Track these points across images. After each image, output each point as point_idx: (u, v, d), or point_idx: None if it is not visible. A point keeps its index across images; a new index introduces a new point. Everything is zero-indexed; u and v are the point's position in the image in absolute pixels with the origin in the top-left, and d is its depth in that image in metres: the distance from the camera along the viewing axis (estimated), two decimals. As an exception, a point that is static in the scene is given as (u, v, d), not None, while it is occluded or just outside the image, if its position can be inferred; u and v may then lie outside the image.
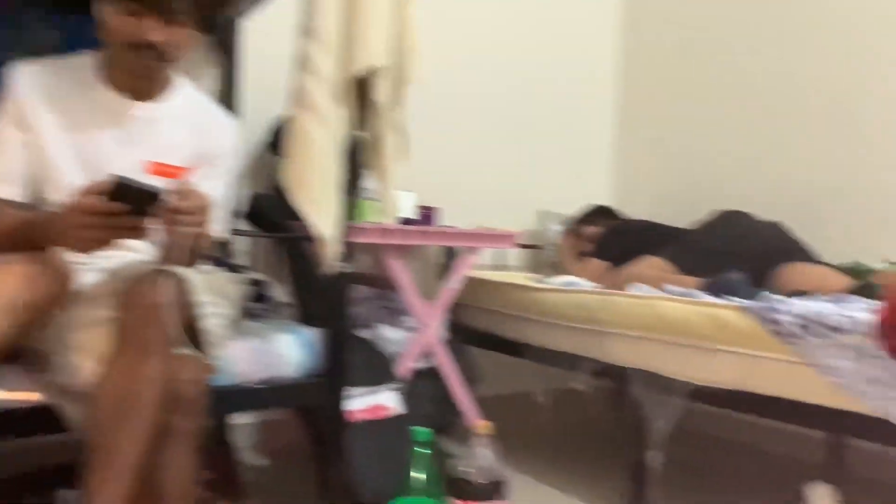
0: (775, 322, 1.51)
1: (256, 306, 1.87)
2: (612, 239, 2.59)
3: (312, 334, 1.62)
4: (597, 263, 2.53)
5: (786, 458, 2.46)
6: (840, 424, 1.48)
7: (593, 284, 2.32)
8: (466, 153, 2.93)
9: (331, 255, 1.53)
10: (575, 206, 2.98)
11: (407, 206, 2.34)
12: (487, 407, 2.52)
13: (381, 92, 1.53)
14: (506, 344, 2.38)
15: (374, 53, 1.49)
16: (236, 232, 2.20)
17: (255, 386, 1.52)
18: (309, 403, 1.63)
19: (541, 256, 2.99)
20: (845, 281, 1.88)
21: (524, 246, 3.04)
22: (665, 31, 3.12)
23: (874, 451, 2.17)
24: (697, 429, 2.78)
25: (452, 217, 2.79)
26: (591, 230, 2.75)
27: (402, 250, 2.11)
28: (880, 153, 2.32)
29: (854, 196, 2.39)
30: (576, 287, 2.21)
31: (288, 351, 1.56)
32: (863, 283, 1.75)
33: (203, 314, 1.31)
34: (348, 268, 1.60)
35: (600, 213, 2.82)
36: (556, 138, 3.18)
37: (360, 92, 1.56)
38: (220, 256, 1.92)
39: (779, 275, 2.01)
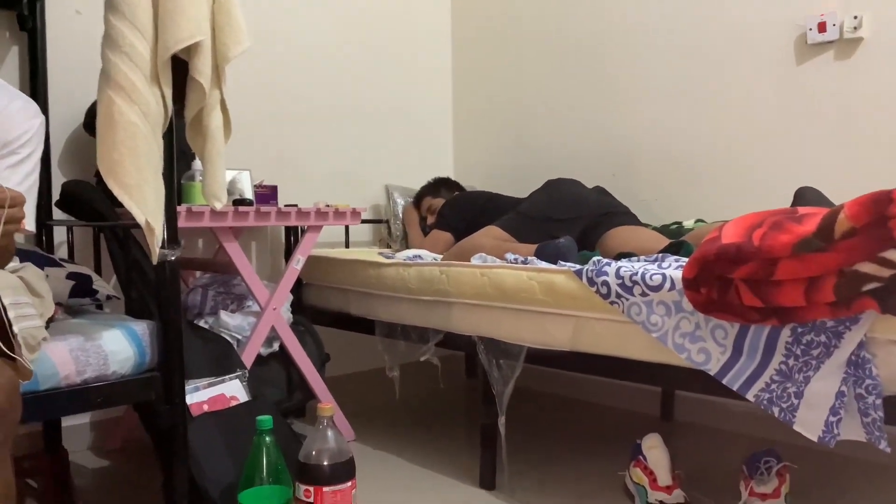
0: (601, 283, 1.61)
1: (81, 301, 1.76)
2: (454, 210, 2.64)
3: (143, 327, 1.54)
4: (440, 235, 2.58)
5: (626, 412, 2.67)
6: (664, 377, 1.61)
7: (437, 256, 2.37)
8: (307, 129, 2.87)
9: (157, 241, 1.45)
10: (420, 179, 3.03)
11: (244, 185, 2.27)
12: (340, 386, 2.53)
13: (200, 69, 1.45)
14: (355, 321, 2.38)
15: (190, 29, 1.41)
16: (52, 222, 2.04)
17: (81, 386, 1.42)
18: (144, 399, 1.55)
19: (387, 230, 3.01)
20: (664, 241, 2.05)
21: (370, 221, 3.05)
22: (491, 11, 3.20)
23: (701, 399, 2.41)
24: (539, 389, 2.95)
25: (296, 195, 2.75)
26: (435, 202, 2.80)
27: (239, 232, 2.05)
28: (691, 118, 2.53)
29: (668, 159, 2.60)
30: (420, 260, 2.24)
31: (115, 346, 1.46)
32: (678, 241, 1.90)
33: (14, 316, 1.21)
34: (178, 254, 1.53)
35: (443, 186, 2.88)
36: (399, 113, 3.19)
37: (178, 69, 1.47)
38: (32, 251, 1.77)
39: (605, 238, 2.14)
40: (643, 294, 1.53)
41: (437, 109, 3.37)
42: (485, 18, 3.26)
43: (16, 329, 1.21)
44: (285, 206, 2.19)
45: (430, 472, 2.03)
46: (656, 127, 2.63)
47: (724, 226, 1.42)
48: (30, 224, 1.40)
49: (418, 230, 2.81)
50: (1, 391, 1.16)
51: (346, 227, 2.90)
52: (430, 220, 2.78)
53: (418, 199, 2.89)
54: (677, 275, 1.47)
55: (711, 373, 1.42)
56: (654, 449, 1.74)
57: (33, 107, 1.46)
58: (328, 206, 2.25)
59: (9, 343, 1.21)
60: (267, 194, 2.35)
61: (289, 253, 2.59)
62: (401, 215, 2.95)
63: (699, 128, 2.51)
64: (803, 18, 2.23)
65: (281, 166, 2.76)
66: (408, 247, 2.77)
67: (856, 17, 2.11)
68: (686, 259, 1.60)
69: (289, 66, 2.81)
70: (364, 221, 2.85)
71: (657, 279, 1.51)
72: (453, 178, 3.05)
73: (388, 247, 2.97)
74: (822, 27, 2.17)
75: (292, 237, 2.59)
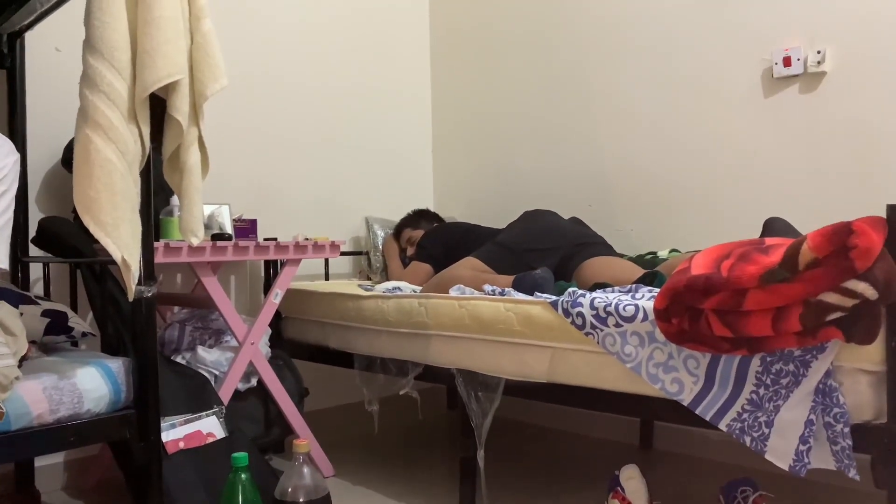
0: (577, 315, 1.63)
1: (55, 339, 1.75)
2: (433, 242, 2.66)
3: (118, 364, 1.53)
4: (420, 267, 2.59)
5: (605, 442, 2.68)
6: (640, 408, 1.62)
7: (416, 288, 2.38)
8: (287, 162, 2.89)
9: (134, 278, 1.46)
10: (400, 211, 3.05)
11: (223, 219, 2.28)
12: (319, 421, 2.52)
13: (178, 107, 1.47)
14: (335, 355, 2.37)
15: (167, 68, 1.44)
16: (28, 259, 2.03)
17: (54, 425, 1.41)
18: (119, 438, 1.54)
19: (367, 262, 3.02)
20: (639, 271, 2.08)
21: (350, 254, 3.06)
22: (468, 47, 3.26)
23: (679, 427, 2.43)
24: (518, 420, 2.95)
25: (275, 228, 2.76)
26: (414, 234, 2.82)
27: (217, 266, 2.05)
28: (669, 149, 2.59)
29: (644, 189, 2.65)
30: (399, 293, 2.25)
31: (90, 384, 1.46)
32: (652, 272, 1.93)
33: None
34: (154, 290, 1.53)
35: (422, 217, 2.90)
36: (378, 144, 3.21)
37: (156, 107, 1.49)
38: (6, 288, 1.77)
39: (581, 268, 2.17)
40: (617, 325, 1.55)
41: (417, 140, 3.41)
42: (463, 50, 3.32)
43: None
44: (264, 239, 2.19)
45: (409, 507, 2.02)
46: (632, 158, 2.68)
47: (694, 257, 1.46)
48: (2, 262, 1.40)
49: (398, 262, 2.82)
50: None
51: (326, 260, 2.91)
52: (410, 251, 2.80)
53: (398, 230, 2.90)
54: (650, 305, 1.50)
55: (685, 403, 1.44)
56: (632, 480, 1.74)
57: (8, 145, 1.47)
58: (307, 239, 2.26)
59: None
60: (246, 228, 2.36)
61: (268, 286, 2.59)
62: (381, 247, 2.97)
63: (673, 159, 2.56)
64: (770, 53, 2.30)
65: (260, 199, 2.78)
66: (388, 279, 2.77)
67: (819, 52, 2.18)
68: (659, 289, 1.63)
69: (267, 100, 2.84)
70: (343, 254, 2.86)
71: (630, 310, 1.53)
72: (433, 210, 3.08)
73: (368, 279, 2.98)
74: (787, 61, 2.24)
75: (271, 270, 2.60)
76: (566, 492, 2.13)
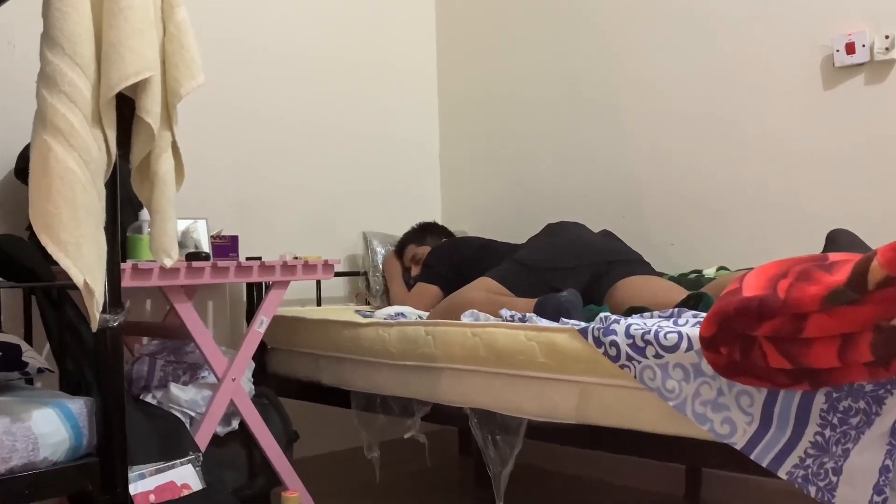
0: (610, 344, 1.63)
1: (7, 376, 1.76)
2: (442, 260, 2.67)
3: (79, 405, 1.54)
4: (426, 289, 2.60)
5: (645, 493, 2.66)
6: (685, 453, 1.61)
7: (423, 314, 2.38)
8: (273, 171, 2.91)
9: (98, 305, 1.47)
10: (403, 225, 3.06)
11: (199, 236, 2.29)
12: (310, 469, 2.51)
13: (149, 108, 1.49)
14: (328, 392, 2.38)
15: (137, 64, 1.45)
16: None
17: (6, 476, 1.41)
18: (80, 490, 1.54)
19: (366, 285, 3.03)
20: (681, 293, 2.07)
21: (345, 274, 3.07)
22: (480, 35, 3.29)
23: (730, 476, 2.41)
24: (545, 467, 2.94)
25: (260, 247, 2.76)
26: (419, 251, 2.82)
27: (193, 291, 2.06)
28: (714, 151, 2.59)
29: (685, 198, 2.65)
30: (403, 319, 2.26)
31: (47, 428, 1.46)
32: (696, 293, 1.93)
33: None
34: (121, 319, 1.54)
35: (429, 232, 2.91)
36: (378, 151, 3.23)
37: (124, 109, 1.51)
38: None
39: (614, 290, 2.17)
40: (657, 356, 1.55)
41: (422, 144, 3.43)
42: (474, 44, 3.34)
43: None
44: (247, 259, 2.20)
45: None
46: (671, 162, 2.68)
47: (745, 276, 1.45)
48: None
49: (401, 283, 2.82)
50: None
51: (318, 282, 2.92)
52: (415, 271, 2.80)
53: (401, 247, 2.91)
54: (695, 333, 1.49)
55: (737, 447, 1.43)
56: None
57: None
58: (296, 258, 2.27)
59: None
60: (226, 246, 2.37)
61: (251, 314, 2.59)
62: (381, 267, 2.97)
63: (719, 162, 2.56)
64: (830, 40, 2.30)
65: (242, 213, 2.79)
66: (389, 303, 2.78)
67: (887, 37, 2.18)
68: (705, 314, 1.63)
69: (252, 101, 2.86)
70: (338, 275, 2.86)
71: (672, 338, 1.53)
72: (440, 223, 3.09)
73: (367, 303, 2.98)
74: (850, 48, 2.25)
75: (255, 295, 2.60)
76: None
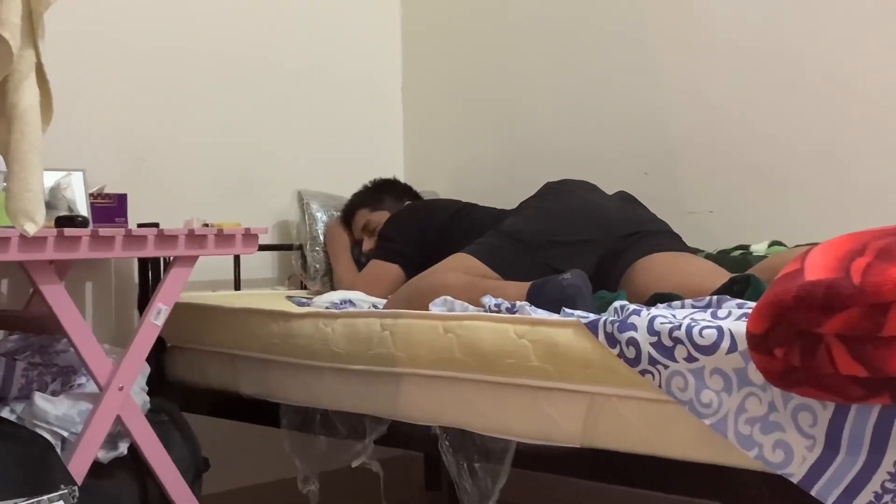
0: (627, 343, 1.64)
1: None
2: (404, 230, 2.67)
3: None
4: (383, 269, 2.60)
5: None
6: (725, 488, 1.60)
7: (378, 301, 2.38)
8: (176, 110, 2.89)
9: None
10: (352, 182, 3.05)
11: (73, 194, 2.27)
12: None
13: (5, 18, 1.47)
14: (250, 406, 2.38)
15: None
16: None
17: None
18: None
19: (302, 262, 3.02)
20: (724, 275, 2.09)
21: (274, 248, 3.06)
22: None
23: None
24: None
25: (157, 210, 2.74)
26: (375, 218, 2.82)
27: (66, 269, 2.04)
28: (770, 92, 2.60)
29: (728, 154, 2.66)
30: (351, 308, 2.25)
31: None
32: (742, 276, 1.94)
33: None
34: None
35: (387, 192, 2.91)
36: (318, 89, 3.24)
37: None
38: None
39: (633, 271, 2.19)
40: (690, 358, 1.55)
41: (378, 82, 3.43)
42: None
43: None
44: (139, 226, 2.18)
45: None
46: (712, 106, 2.69)
47: (808, 253, 1.46)
48: None
49: (349, 261, 2.82)
50: None
51: (236, 259, 2.90)
52: (368, 244, 2.80)
53: (350, 212, 2.91)
54: (741, 328, 1.50)
55: (794, 479, 1.44)
56: None
57: None
58: (207, 225, 2.26)
59: None
60: (111, 208, 2.36)
61: (144, 300, 2.57)
62: (322, 238, 2.96)
63: (775, 108, 2.57)
64: (924, -59, 2.32)
65: (134, 166, 2.76)
66: (333, 287, 2.77)
67: None
68: (754, 304, 1.64)
69: (148, 13, 2.83)
70: (263, 248, 2.84)
71: (710, 335, 1.53)
72: (402, 181, 3.08)
73: (303, 287, 2.97)
74: (950, -46, 2.26)
75: (150, 275, 2.59)
76: None
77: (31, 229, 1.54)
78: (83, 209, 2.26)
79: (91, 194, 2.32)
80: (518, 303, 1.97)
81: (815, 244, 1.54)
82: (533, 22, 3.08)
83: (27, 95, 1.54)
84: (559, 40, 3.02)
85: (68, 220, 2.11)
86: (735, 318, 1.58)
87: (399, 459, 2.75)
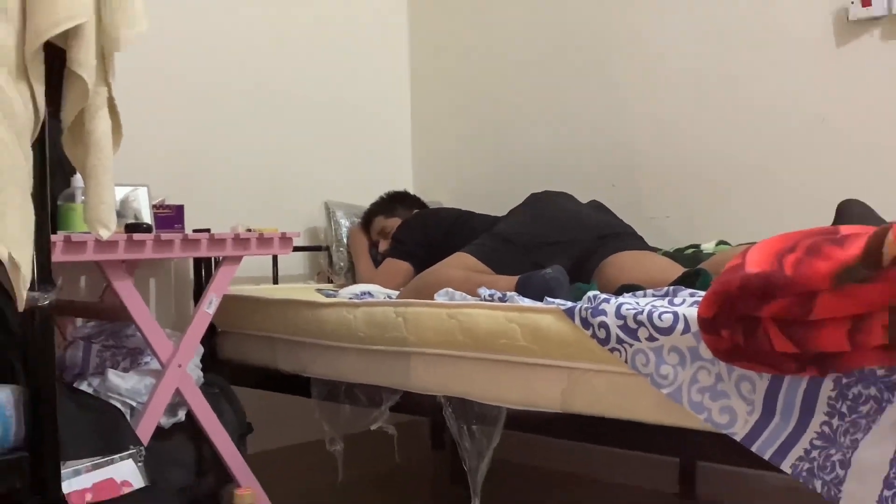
0: (599, 326, 1.64)
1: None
2: (413, 233, 2.67)
3: (5, 395, 1.52)
4: (396, 266, 2.60)
5: (635, 489, 2.69)
6: (680, 445, 1.63)
7: (392, 293, 2.38)
8: (223, 133, 2.88)
9: (24, 282, 1.45)
10: (370, 194, 3.05)
11: (139, 205, 2.27)
12: (266, 465, 2.51)
13: (82, 60, 1.46)
14: (286, 380, 2.38)
15: (67, 8, 1.43)
16: None
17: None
18: (7, 490, 1.53)
19: (329, 261, 3.02)
20: (678, 269, 2.09)
21: (305, 249, 3.06)
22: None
23: (728, 470, 2.44)
24: (526, 462, 2.96)
25: (208, 218, 2.74)
26: (388, 223, 2.82)
27: (133, 267, 2.05)
28: (714, 115, 2.60)
29: (683, 167, 2.66)
30: (370, 299, 2.26)
31: (-31, 421, 1.46)
32: (694, 270, 1.94)
33: None
34: (52, 298, 1.52)
35: (399, 202, 2.91)
36: (342, 111, 3.22)
37: (54, 61, 1.48)
38: None
39: (604, 266, 2.18)
40: (651, 338, 1.56)
41: (391, 108, 3.41)
42: (444, 21, 3.32)
43: None
44: (194, 231, 2.18)
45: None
46: (667, 127, 2.69)
47: (748, 250, 1.46)
48: None
49: (368, 260, 2.82)
50: None
51: (275, 258, 2.90)
52: (384, 246, 2.80)
53: (368, 219, 2.91)
54: (693, 313, 1.50)
55: (737, 438, 1.45)
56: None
57: None
58: (250, 230, 2.26)
59: None
60: (170, 217, 2.35)
61: (198, 292, 2.58)
62: (345, 241, 2.97)
63: (721, 128, 2.58)
64: (843, -10, 2.32)
65: (189, 181, 2.76)
66: (354, 281, 2.77)
67: (907, -11, 2.20)
68: (703, 293, 1.64)
69: (198, 53, 2.82)
70: (297, 249, 2.85)
71: (668, 319, 1.54)
72: (412, 193, 3.08)
73: (330, 281, 2.98)
74: (865, 1, 2.26)
75: (203, 272, 2.59)
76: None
77: (105, 234, 1.54)
78: (148, 218, 2.26)
79: (154, 205, 2.32)
80: (508, 293, 1.97)
81: (754, 243, 1.54)
82: (522, 61, 3.09)
83: (101, 124, 1.54)
84: (543, 76, 3.02)
85: (136, 227, 2.12)
86: (688, 304, 1.58)
87: (409, 424, 2.75)
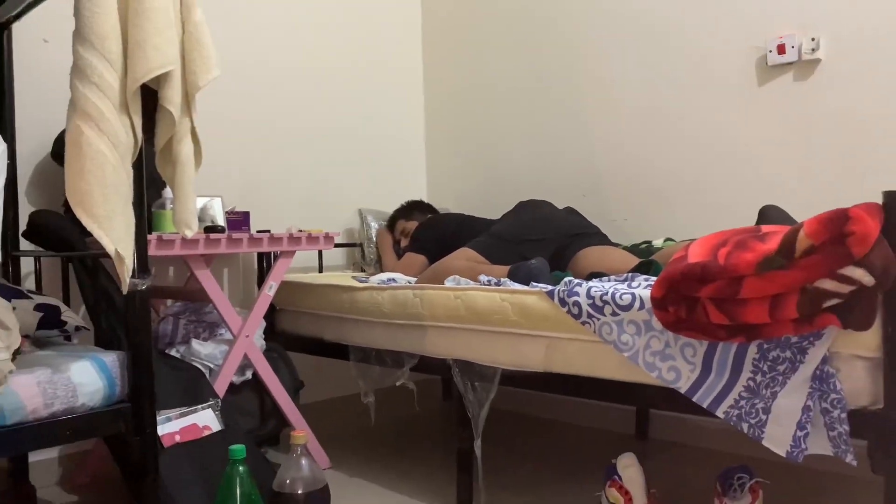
0: (572, 304, 1.63)
1: (48, 333, 1.74)
2: (428, 233, 2.66)
3: (112, 358, 1.52)
4: (414, 258, 2.59)
5: (601, 432, 2.69)
6: (637, 396, 1.62)
7: (411, 279, 2.38)
8: (278, 155, 2.88)
9: (127, 271, 1.45)
10: (393, 202, 3.04)
11: (215, 212, 2.27)
12: (314, 413, 2.52)
13: (170, 98, 1.46)
14: (329, 347, 2.37)
15: (158, 59, 1.43)
16: (19, 253, 2.02)
17: (49, 420, 1.41)
18: (114, 432, 1.53)
19: (361, 254, 3.02)
20: (634, 260, 2.08)
21: (344, 245, 3.06)
22: (459, 38, 3.26)
23: (675, 416, 2.44)
24: (516, 411, 2.96)
25: (267, 221, 2.75)
26: (408, 225, 2.81)
27: (210, 259, 2.05)
28: (661, 139, 2.59)
29: (637, 179, 2.65)
30: (394, 284, 2.25)
31: (84, 378, 1.45)
32: (647, 261, 1.93)
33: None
34: (148, 283, 1.53)
35: (416, 208, 2.89)
36: (371, 136, 3.20)
37: (149, 99, 1.48)
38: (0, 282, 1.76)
39: (576, 258, 2.17)
40: (614, 314, 1.55)
41: (410, 132, 3.40)
42: (454, 41, 3.31)
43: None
44: (257, 232, 2.19)
45: (406, 499, 2.02)
46: (624, 148, 2.68)
47: (690, 245, 1.46)
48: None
49: (392, 253, 2.82)
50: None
51: (320, 252, 2.90)
52: (404, 243, 2.79)
53: (392, 222, 2.90)
54: (646, 294, 1.50)
55: (682, 390, 1.44)
56: (630, 468, 1.75)
57: None
58: (301, 231, 2.26)
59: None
60: (238, 220, 2.35)
61: (261, 279, 2.58)
62: (374, 239, 2.96)
63: (666, 148, 2.56)
64: (764, 41, 2.30)
65: (252, 192, 2.77)
66: (381, 270, 2.77)
67: (813, 39, 2.18)
68: (655, 278, 1.64)
69: (258, 91, 2.82)
70: (337, 245, 2.85)
71: (627, 299, 1.53)
72: (426, 201, 3.07)
73: (363, 270, 2.98)
74: (781, 49, 2.24)
75: (265, 263, 2.59)
76: (563, 481, 2.14)
77: (188, 234, 1.54)
78: (221, 221, 2.27)
79: (226, 212, 2.32)
80: (502, 279, 1.97)
81: (694, 239, 1.54)
82: (510, 98, 3.08)
83: (185, 148, 1.54)
84: (527, 109, 3.01)
85: (212, 229, 2.12)
86: (643, 287, 1.58)
87: (426, 381, 2.76)
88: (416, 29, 3.43)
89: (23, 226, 2.02)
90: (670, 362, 1.47)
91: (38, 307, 1.71)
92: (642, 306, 1.50)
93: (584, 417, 2.77)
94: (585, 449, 2.48)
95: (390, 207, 3.03)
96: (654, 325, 1.49)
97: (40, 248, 2.00)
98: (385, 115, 3.28)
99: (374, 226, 3.00)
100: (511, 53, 3.07)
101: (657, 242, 2.36)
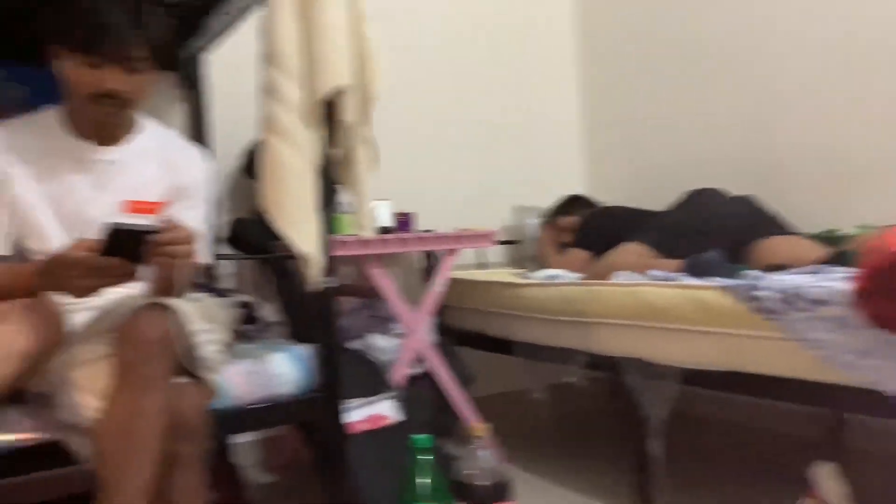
0: (756, 299, 1.54)
1: (247, 328, 1.89)
2: (590, 227, 2.61)
3: (304, 351, 1.63)
4: (577, 254, 2.56)
5: (785, 436, 2.50)
6: (830, 398, 1.49)
7: (576, 275, 2.34)
8: (437, 158, 2.96)
9: (314, 271, 1.56)
10: (550, 197, 3.02)
11: (384, 214, 2.36)
12: (484, 407, 2.55)
13: (348, 111, 1.55)
14: (495, 342, 2.39)
15: (337, 75, 1.52)
16: (220, 257, 2.22)
17: (253, 406, 1.54)
18: (307, 419, 1.65)
19: (521, 251, 3.02)
20: (821, 250, 1.93)
21: (504, 242, 3.08)
22: (621, 15, 3.17)
23: (872, 423, 2.22)
24: (694, 412, 2.83)
25: (430, 221, 2.82)
26: (569, 220, 2.77)
27: (383, 259, 2.14)
28: (844, 115, 2.37)
29: (822, 160, 2.44)
30: (559, 280, 2.24)
31: (282, 369, 1.57)
32: (838, 250, 1.79)
33: (198, 342, 1.34)
34: (333, 282, 1.63)
35: (576, 203, 2.85)
36: (524, 133, 3.21)
37: (329, 112, 1.58)
38: (207, 283, 1.94)
39: (755, 250, 2.04)
40: (804, 309, 1.45)
41: (565, 131, 3.38)
42: (615, 23, 3.21)
43: (200, 353, 1.34)
44: (424, 231, 2.25)
45: (583, 498, 1.99)
46: (809, 125, 2.46)
47: (889, 233, 1.33)
48: (206, 257, 1.55)
49: (554, 249, 2.80)
50: (192, 411, 1.30)
51: (482, 250, 2.93)
52: (566, 238, 2.76)
53: (551, 218, 2.88)
54: (843, 288, 1.38)
55: (887, 393, 1.32)
56: (830, 480, 1.62)
57: (202, 155, 1.63)
58: (464, 229, 2.30)
59: (194, 366, 1.35)
60: (405, 221, 2.44)
61: (429, 276, 2.65)
62: (534, 235, 2.96)
63: (859, 122, 2.32)
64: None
65: (418, 195, 2.84)
66: (541, 267, 2.76)
67: None
68: (849, 270, 1.51)
69: (418, 102, 2.91)
70: (499, 242, 2.88)
71: (820, 293, 1.42)
72: (585, 195, 3.03)
73: (523, 268, 2.98)
74: None
75: (431, 261, 2.66)
76: (749, 487, 2.02)
77: (368, 235, 1.62)
78: (391, 223, 2.36)
79: (395, 214, 2.41)
80: (675, 273, 1.90)
81: (890, 226, 1.39)
82: (678, 80, 2.94)
83: (363, 156, 1.63)
84: (699, 92, 2.86)
85: (384, 230, 2.22)
86: (838, 280, 1.46)
87: (594, 379, 2.70)
88: (572, 17, 3.39)
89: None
90: (873, 361, 1.35)
91: (238, 304, 1.87)
92: (839, 301, 1.39)
93: (770, 421, 2.58)
94: (772, 455, 2.31)
95: (547, 203, 3.01)
96: (853, 321, 1.37)
97: (239, 252, 2.18)
98: (539, 111, 3.27)
99: (532, 222, 2.99)
100: (677, 27, 2.90)
101: (849, 230, 2.17)
